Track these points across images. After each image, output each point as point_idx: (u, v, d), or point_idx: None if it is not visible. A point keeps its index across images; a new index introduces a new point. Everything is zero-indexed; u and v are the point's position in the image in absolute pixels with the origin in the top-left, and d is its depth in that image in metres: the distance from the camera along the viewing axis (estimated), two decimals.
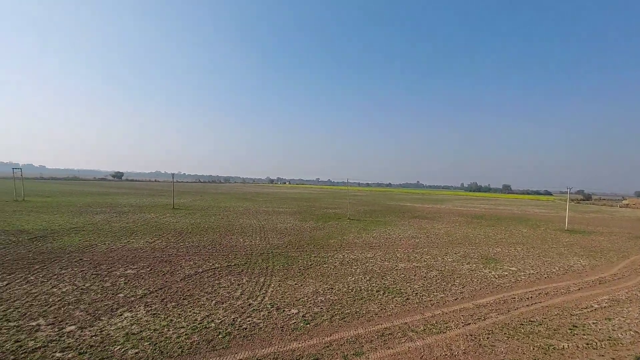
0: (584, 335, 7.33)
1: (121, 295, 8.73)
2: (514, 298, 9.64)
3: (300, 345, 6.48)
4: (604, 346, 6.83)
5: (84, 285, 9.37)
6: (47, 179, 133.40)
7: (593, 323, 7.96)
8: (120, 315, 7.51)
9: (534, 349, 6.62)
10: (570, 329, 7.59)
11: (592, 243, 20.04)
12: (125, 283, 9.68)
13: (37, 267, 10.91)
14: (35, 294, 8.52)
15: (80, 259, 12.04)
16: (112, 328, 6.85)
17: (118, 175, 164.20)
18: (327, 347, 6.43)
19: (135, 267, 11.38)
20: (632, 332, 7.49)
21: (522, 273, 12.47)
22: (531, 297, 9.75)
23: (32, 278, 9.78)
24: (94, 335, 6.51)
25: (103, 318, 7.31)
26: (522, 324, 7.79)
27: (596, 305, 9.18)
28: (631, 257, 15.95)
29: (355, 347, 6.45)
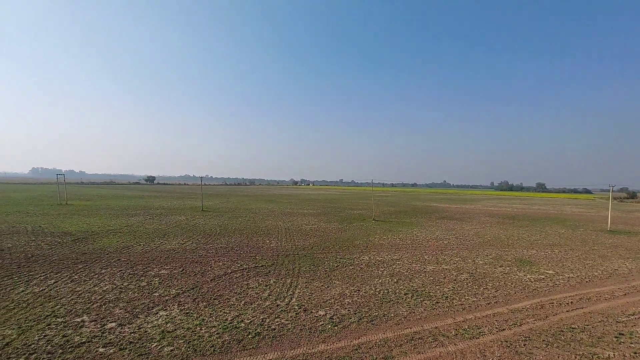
0: (632, 343, 6.82)
1: (156, 294, 9.13)
2: (553, 303, 9.14)
3: (328, 347, 6.49)
4: None
5: (122, 284, 9.88)
6: (87, 183, 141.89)
7: None
8: (156, 313, 7.85)
9: (575, 357, 6.25)
10: (616, 337, 7.10)
11: (639, 245, 18.62)
12: (159, 282, 10.11)
13: (80, 266, 11.63)
14: (79, 292, 9.09)
15: (118, 259, 12.72)
16: (149, 326, 7.18)
17: (150, 179, 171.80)
18: (356, 350, 6.39)
19: (168, 267, 11.85)
20: None
21: (561, 277, 11.80)
22: (571, 303, 9.20)
23: (76, 277, 10.44)
24: (132, 332, 6.85)
25: (140, 316, 7.67)
26: (562, 331, 7.37)
27: None
28: None
29: (384, 351, 6.37)
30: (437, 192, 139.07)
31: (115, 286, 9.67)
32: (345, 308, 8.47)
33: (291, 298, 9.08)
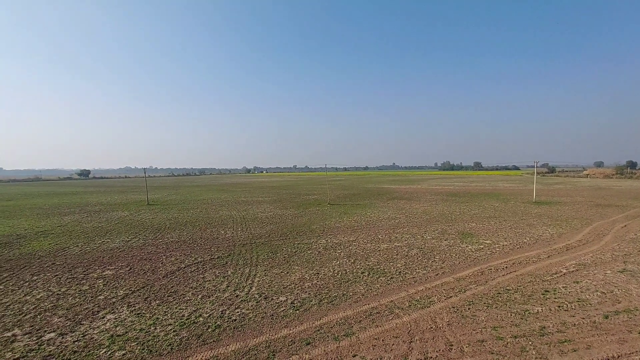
0: (556, 298, 7.87)
1: (101, 297, 8.43)
2: (491, 269, 10.16)
3: (291, 331, 6.56)
4: (574, 307, 7.37)
5: (59, 290, 8.95)
6: (6, 181, 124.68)
7: (563, 287, 8.55)
8: (103, 317, 7.26)
9: (511, 315, 7.05)
10: (542, 294, 8.12)
11: (558, 213, 21.35)
12: (104, 285, 9.34)
13: (5, 275, 10.28)
14: (7, 303, 8.06)
15: (53, 264, 11.47)
16: (95, 332, 6.63)
17: (84, 174, 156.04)
18: (318, 330, 6.55)
19: (113, 267, 10.98)
20: (598, 293, 8.12)
21: (497, 245, 13.13)
22: (506, 267, 10.31)
23: (1, 287, 9.22)
24: (76, 341, 6.28)
25: (84, 322, 7.04)
26: (500, 293, 8.25)
27: (565, 271, 9.85)
28: (594, 224, 17.14)
29: (345, 329, 6.61)
30: (387, 174, 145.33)
31: (51, 293, 8.73)
32: (306, 292, 8.59)
33: (251, 287, 8.97)
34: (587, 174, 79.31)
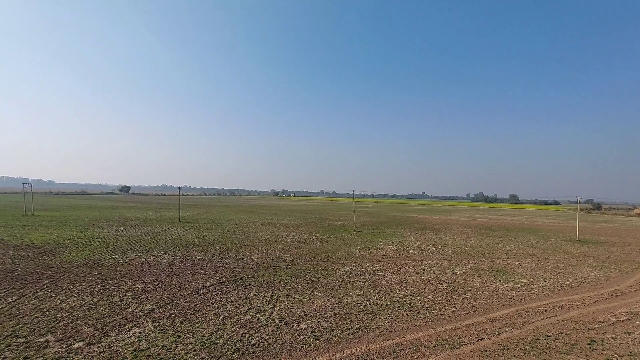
0: (603, 350, 7.08)
1: (129, 310, 8.68)
2: (528, 311, 9.39)
3: None
4: None
5: (92, 300, 9.35)
6: (56, 193, 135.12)
7: (612, 337, 7.70)
8: (128, 331, 7.44)
9: None
10: (588, 344, 7.34)
11: (606, 254, 19.59)
12: (132, 298, 9.64)
13: (45, 282, 10.93)
14: (44, 310, 8.51)
15: (88, 274, 12.06)
16: (120, 344, 6.78)
17: (125, 189, 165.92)
18: None
19: (142, 281, 11.34)
20: None
21: (535, 285, 12.18)
22: (546, 311, 9.49)
23: (40, 293, 9.79)
24: (102, 352, 6.44)
25: (111, 334, 7.25)
26: (538, 339, 7.56)
27: (614, 319, 8.90)
28: None
29: None
30: (416, 203, 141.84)
31: (84, 302, 9.12)
32: (327, 320, 8.35)
33: (272, 311, 8.87)
34: (638, 213, 72.72)
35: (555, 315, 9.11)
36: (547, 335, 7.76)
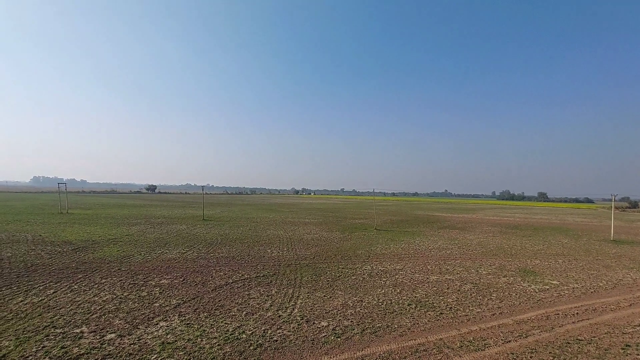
0: (638, 355, 6.68)
1: (157, 304, 9.02)
2: (558, 314, 9.00)
3: (331, 359, 6.37)
4: None
5: (122, 294, 9.79)
6: (88, 192, 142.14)
7: None
8: (156, 324, 7.74)
9: None
10: (622, 349, 6.96)
11: None
12: (160, 293, 10.01)
13: (80, 276, 11.54)
14: (79, 302, 8.99)
15: (119, 269, 12.62)
16: (148, 337, 7.07)
17: (151, 188, 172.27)
18: None
19: (169, 277, 11.75)
20: None
21: (566, 287, 11.66)
22: (577, 314, 9.06)
23: (75, 287, 10.35)
24: (132, 344, 6.74)
25: (140, 327, 7.57)
26: (569, 343, 7.23)
27: None
28: None
29: None
30: (439, 201, 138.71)
31: (115, 296, 9.57)
32: (348, 319, 8.35)
33: (293, 308, 8.96)
34: None
35: (588, 319, 8.69)
36: (579, 339, 7.42)
